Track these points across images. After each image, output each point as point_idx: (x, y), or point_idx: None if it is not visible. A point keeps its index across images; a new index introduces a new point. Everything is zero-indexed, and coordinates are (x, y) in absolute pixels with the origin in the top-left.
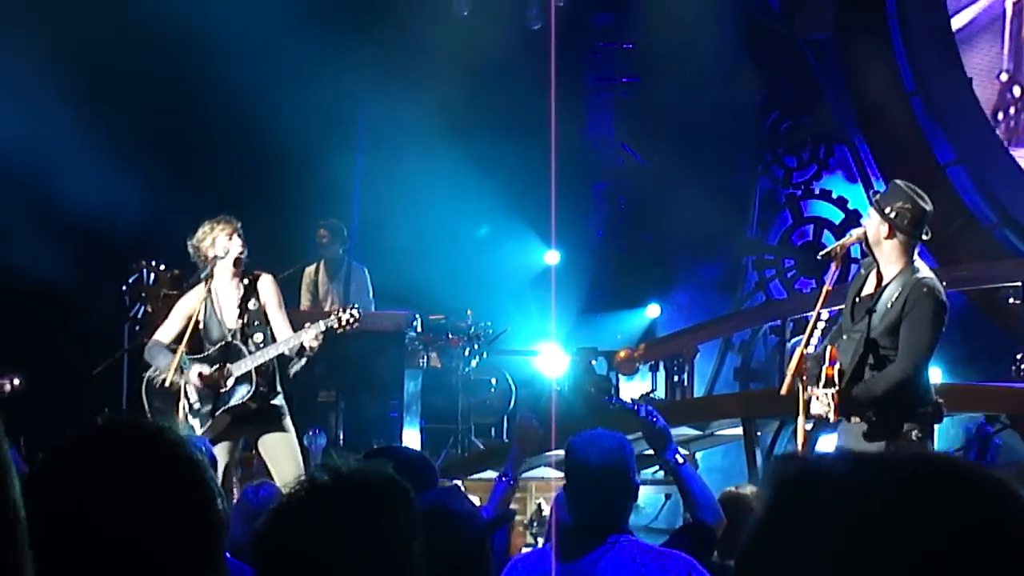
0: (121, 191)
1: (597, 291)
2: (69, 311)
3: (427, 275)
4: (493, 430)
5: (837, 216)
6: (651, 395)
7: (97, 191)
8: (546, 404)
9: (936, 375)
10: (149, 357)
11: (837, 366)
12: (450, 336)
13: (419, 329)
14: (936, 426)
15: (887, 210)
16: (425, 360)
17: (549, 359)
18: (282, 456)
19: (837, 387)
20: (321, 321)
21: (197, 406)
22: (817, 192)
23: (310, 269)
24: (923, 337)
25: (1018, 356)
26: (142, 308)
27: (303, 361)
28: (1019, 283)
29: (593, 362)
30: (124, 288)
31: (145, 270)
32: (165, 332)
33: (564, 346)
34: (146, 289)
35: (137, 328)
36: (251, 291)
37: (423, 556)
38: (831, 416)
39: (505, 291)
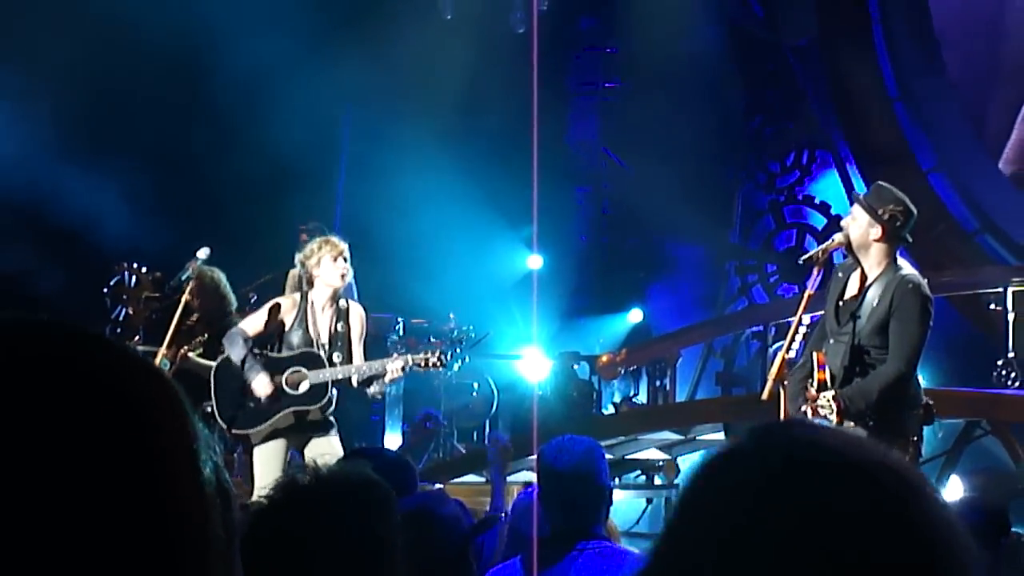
0: (103, 194)
1: (580, 295)
2: (49, 313)
3: (409, 279)
4: (475, 434)
5: (820, 221)
6: (634, 399)
7: (79, 194)
8: (528, 408)
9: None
10: (226, 342)
11: (828, 370)
12: (432, 340)
13: (401, 333)
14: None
15: (880, 212)
16: None
17: (531, 363)
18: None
19: (833, 390)
20: (410, 356)
21: (261, 402)
22: (800, 197)
23: (294, 272)
24: (913, 333)
25: (999, 362)
26: (123, 310)
27: (377, 387)
28: (1001, 289)
29: (575, 366)
30: (105, 290)
31: (127, 272)
32: (250, 324)
33: (546, 350)
34: (127, 291)
35: (119, 331)
36: (343, 315)
37: (406, 558)
38: (834, 419)
39: (488, 295)
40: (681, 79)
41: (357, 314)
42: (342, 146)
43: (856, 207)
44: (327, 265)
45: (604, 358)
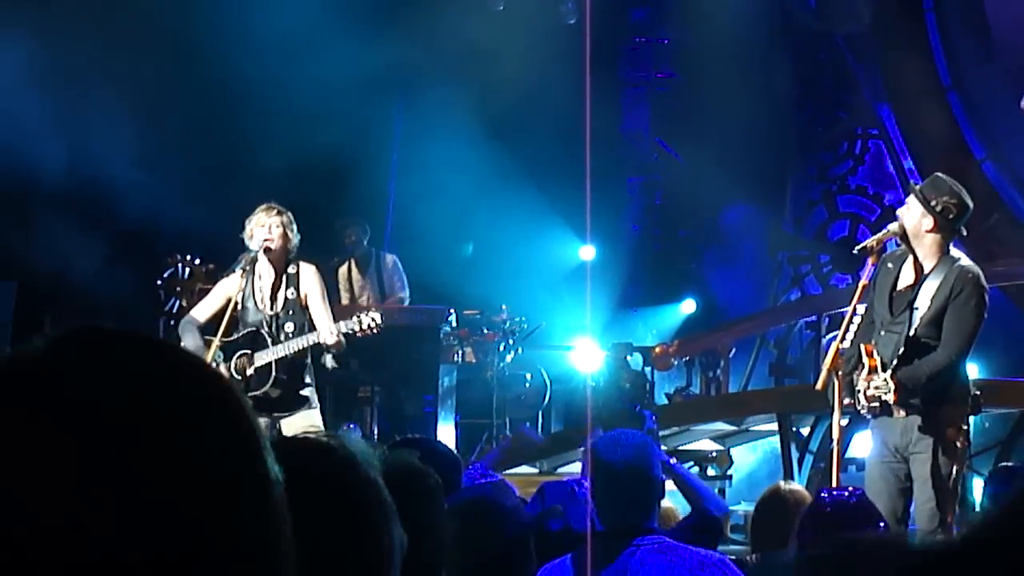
0: (157, 187)
1: (632, 286)
2: (105, 306)
3: (462, 269)
4: (528, 425)
5: (872, 211)
6: (687, 390)
7: (133, 187)
8: (580, 399)
9: (973, 371)
10: (180, 332)
11: (878, 358)
12: (485, 331)
13: (454, 324)
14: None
15: (932, 203)
16: (460, 355)
17: (584, 354)
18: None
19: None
20: (343, 323)
21: None
22: (852, 187)
23: (343, 268)
24: (968, 322)
25: None
26: (177, 302)
27: (329, 357)
28: None
29: (628, 358)
30: (159, 283)
31: (180, 264)
32: (201, 311)
33: (599, 341)
34: (181, 283)
35: (172, 322)
36: (291, 280)
37: (464, 547)
38: (891, 399)
39: (540, 286)
40: (733, 69)
41: (308, 274)
42: (394, 137)
43: (911, 197)
44: (257, 232)
45: (657, 349)
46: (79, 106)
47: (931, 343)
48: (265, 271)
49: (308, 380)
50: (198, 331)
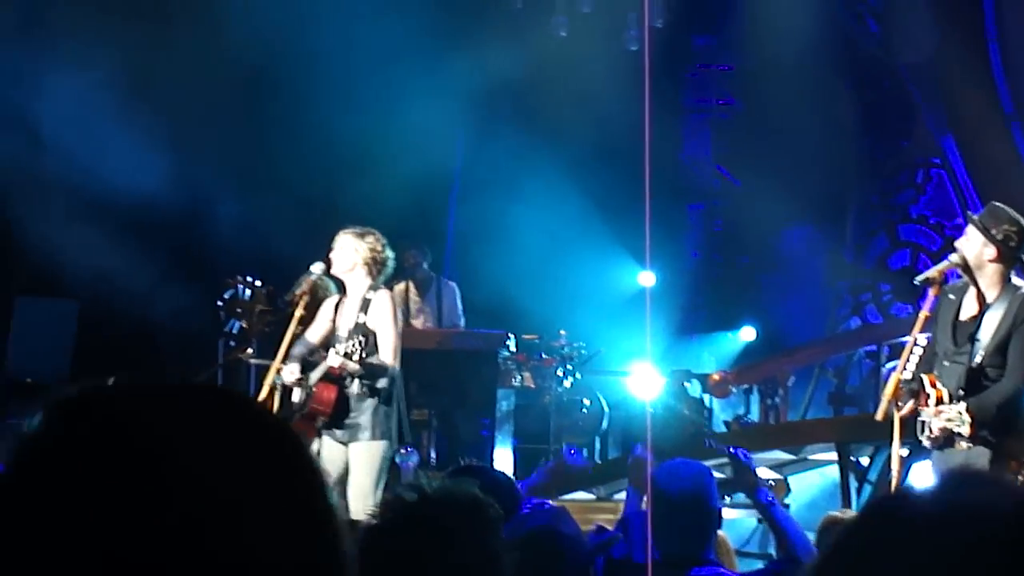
0: (217, 208)
1: (692, 313)
2: (164, 326)
3: (521, 295)
4: (585, 451)
5: (934, 241)
6: (745, 418)
7: (193, 207)
8: (639, 426)
9: None
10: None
11: (944, 390)
12: (543, 356)
13: (513, 349)
14: None
15: (993, 232)
16: (518, 380)
17: (642, 380)
18: (357, 465)
19: (964, 402)
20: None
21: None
22: (914, 216)
23: (399, 288)
24: None
25: None
26: (237, 324)
27: (353, 382)
28: None
29: (687, 384)
30: (219, 304)
31: (241, 286)
32: (312, 331)
33: (658, 368)
34: (241, 305)
35: (232, 344)
36: (365, 306)
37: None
38: (966, 431)
39: (599, 312)
40: (795, 96)
41: (379, 303)
42: (455, 162)
43: (970, 227)
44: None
45: (716, 376)
46: (148, 129)
47: (996, 373)
48: (349, 293)
49: (362, 408)
50: (299, 354)
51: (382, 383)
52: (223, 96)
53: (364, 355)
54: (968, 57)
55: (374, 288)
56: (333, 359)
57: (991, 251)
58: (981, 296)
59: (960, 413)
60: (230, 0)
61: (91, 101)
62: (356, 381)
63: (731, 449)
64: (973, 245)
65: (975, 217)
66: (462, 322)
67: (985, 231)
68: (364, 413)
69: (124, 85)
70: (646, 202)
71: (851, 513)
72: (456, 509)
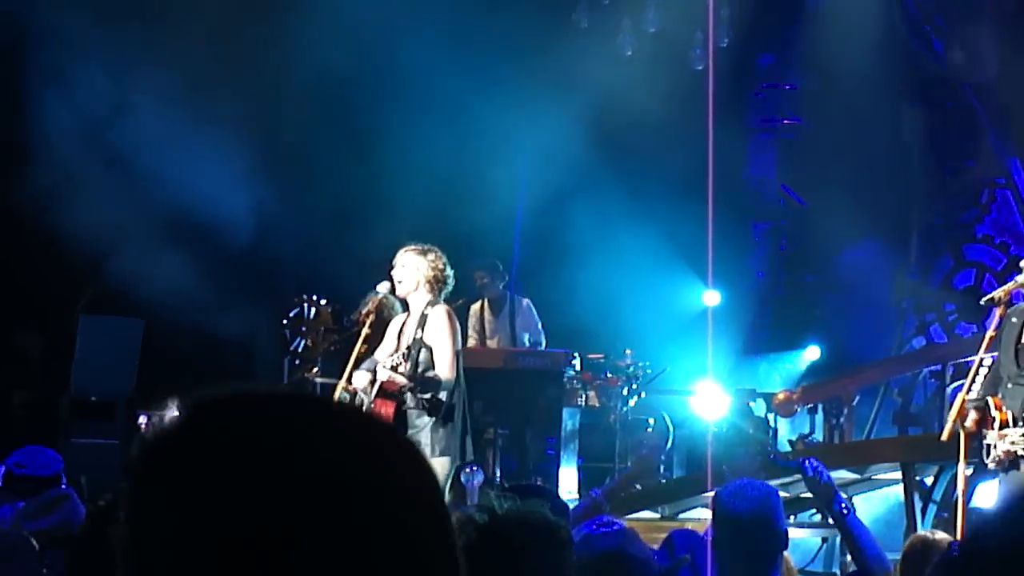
0: (283, 228)
1: (757, 332)
2: (230, 347)
3: (587, 313)
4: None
5: (999, 261)
6: (810, 437)
7: (260, 227)
8: (703, 445)
9: None
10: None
11: (1009, 413)
12: (608, 375)
13: (578, 368)
14: None
15: None
16: (583, 399)
17: (707, 399)
18: None
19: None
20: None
21: None
22: (979, 236)
23: (475, 307)
24: None
25: None
26: (303, 342)
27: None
28: None
29: (751, 403)
30: (285, 322)
31: (306, 304)
32: (378, 352)
33: (724, 387)
34: (307, 323)
35: (297, 362)
36: (423, 321)
37: None
38: None
39: (664, 331)
40: (859, 116)
41: (435, 317)
42: (520, 181)
43: None
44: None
45: (780, 395)
46: (211, 147)
47: None
48: (412, 308)
49: (420, 425)
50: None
51: (439, 398)
52: (291, 115)
53: (416, 367)
54: None
55: (433, 304)
56: (381, 372)
57: None
58: None
59: (1023, 436)
60: (302, 25)
61: (157, 117)
62: (410, 395)
63: (802, 461)
64: None
65: None
66: (542, 336)
67: None
68: (423, 430)
69: (191, 103)
70: (708, 221)
71: (942, 535)
72: (528, 530)
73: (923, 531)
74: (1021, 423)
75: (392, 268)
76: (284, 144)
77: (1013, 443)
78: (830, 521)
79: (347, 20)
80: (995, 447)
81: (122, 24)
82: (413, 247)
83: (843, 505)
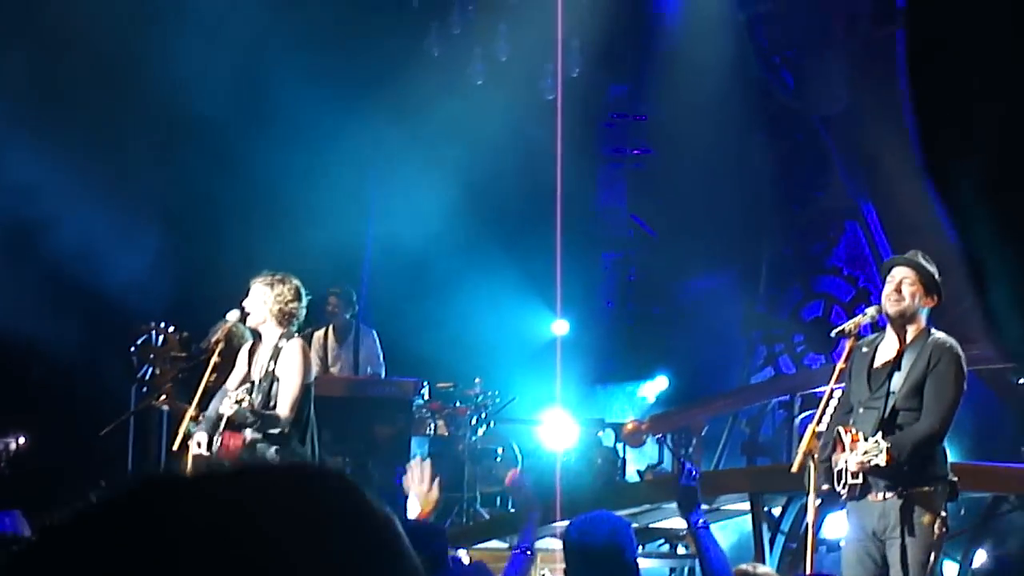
0: (130, 254)
1: (606, 362)
2: (77, 374)
3: (435, 343)
4: (499, 499)
5: (847, 292)
6: (659, 468)
7: (105, 254)
8: (551, 475)
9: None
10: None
11: (860, 434)
12: (458, 404)
13: (427, 397)
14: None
15: (937, 279)
16: (432, 428)
17: (555, 429)
18: None
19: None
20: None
21: None
22: (827, 267)
23: (319, 334)
24: (948, 392)
25: None
26: (150, 370)
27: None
28: None
29: (600, 433)
30: (132, 350)
31: (154, 332)
32: (230, 381)
33: (572, 416)
34: (155, 351)
35: (145, 390)
36: (276, 355)
37: None
38: (883, 460)
39: (513, 360)
40: (709, 147)
41: (288, 352)
42: (370, 209)
43: (911, 275)
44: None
45: (629, 425)
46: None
47: (909, 416)
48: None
49: (264, 457)
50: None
51: (275, 431)
52: (143, 136)
53: (268, 400)
54: (882, 110)
55: (287, 337)
56: (226, 407)
57: (932, 299)
58: (902, 338)
59: (877, 443)
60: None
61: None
62: (249, 430)
63: (684, 462)
64: (913, 293)
65: (916, 265)
66: (382, 369)
67: (931, 280)
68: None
69: (33, 118)
70: (556, 251)
71: (762, 568)
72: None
73: (743, 565)
74: (879, 432)
75: (247, 295)
76: (137, 163)
77: (866, 452)
78: (679, 552)
79: (214, 52)
80: (847, 468)
81: None
82: (263, 278)
83: (700, 519)
